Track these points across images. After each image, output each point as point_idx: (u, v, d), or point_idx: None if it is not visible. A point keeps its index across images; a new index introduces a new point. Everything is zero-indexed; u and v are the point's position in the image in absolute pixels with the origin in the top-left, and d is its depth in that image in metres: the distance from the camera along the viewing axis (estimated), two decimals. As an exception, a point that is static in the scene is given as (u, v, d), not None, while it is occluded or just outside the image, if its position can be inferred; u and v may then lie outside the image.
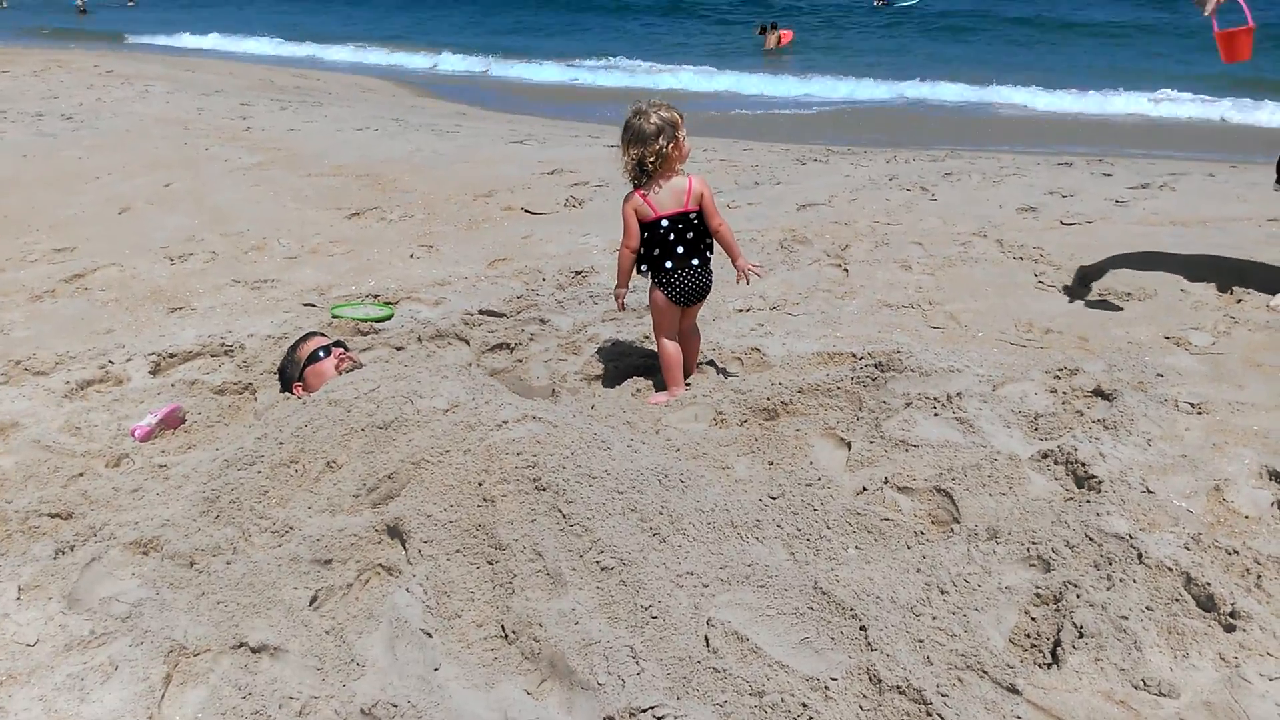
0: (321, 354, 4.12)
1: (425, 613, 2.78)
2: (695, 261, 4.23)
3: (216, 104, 13.88)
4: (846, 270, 5.92)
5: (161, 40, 29.55)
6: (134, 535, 3.06)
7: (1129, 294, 5.20)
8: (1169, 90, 16.01)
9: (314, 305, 5.49)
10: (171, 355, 4.68)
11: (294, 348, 4.27)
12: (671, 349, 4.29)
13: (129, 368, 4.55)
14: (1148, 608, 2.58)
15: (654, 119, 4.06)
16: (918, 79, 18.36)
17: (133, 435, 3.87)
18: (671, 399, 4.22)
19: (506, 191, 8.30)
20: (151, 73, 17.93)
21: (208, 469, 3.49)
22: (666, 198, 4.14)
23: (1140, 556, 2.76)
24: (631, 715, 2.35)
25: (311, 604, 2.80)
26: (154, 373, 4.54)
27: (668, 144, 4.06)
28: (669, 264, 4.21)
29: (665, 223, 4.15)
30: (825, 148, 11.45)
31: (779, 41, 25.41)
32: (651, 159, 4.08)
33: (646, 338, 4.81)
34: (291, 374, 4.19)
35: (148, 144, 10.46)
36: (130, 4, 42.20)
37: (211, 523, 3.14)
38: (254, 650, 2.59)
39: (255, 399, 4.25)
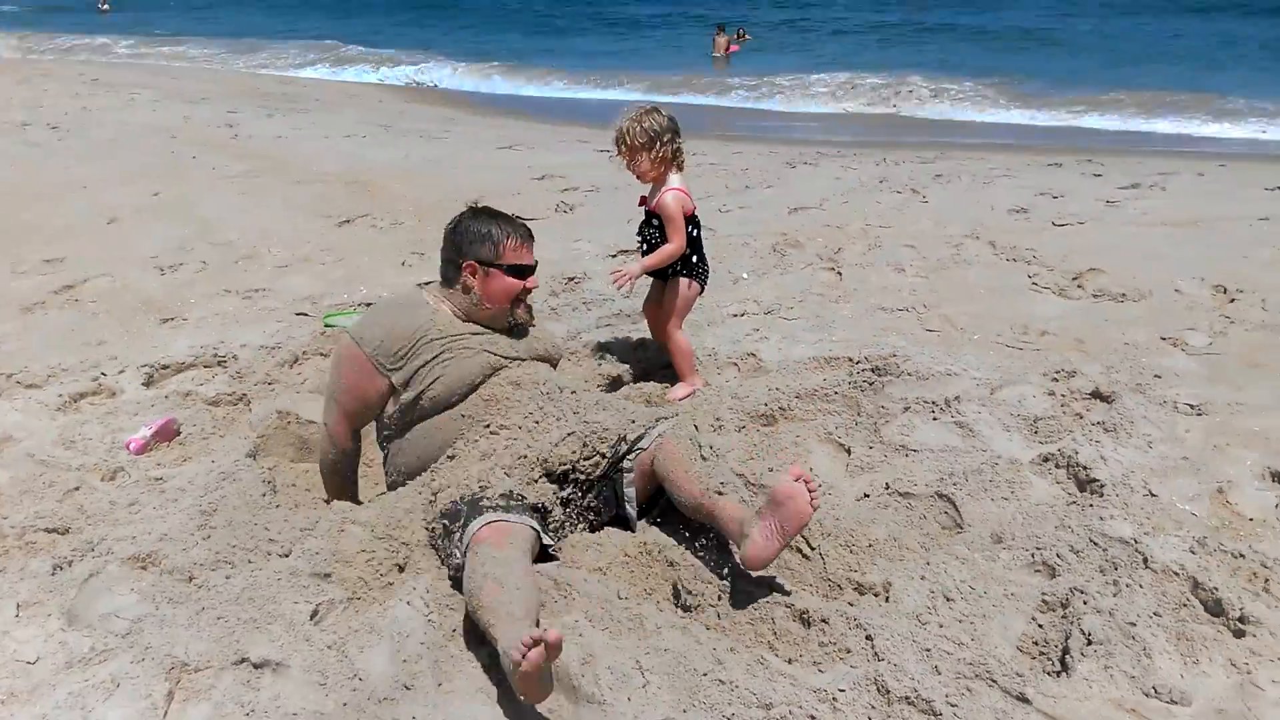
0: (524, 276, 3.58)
1: (427, 626, 2.76)
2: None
3: (203, 112, 13.83)
4: (840, 274, 5.92)
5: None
6: (132, 550, 3.03)
7: (1124, 295, 5.21)
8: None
9: (306, 314, 5.46)
10: (164, 367, 4.64)
11: (504, 219, 3.61)
12: (688, 340, 4.46)
13: (122, 380, 4.51)
14: (1155, 613, 2.57)
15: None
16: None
17: (127, 448, 3.84)
18: (692, 390, 4.31)
19: (497, 197, 8.19)
20: (137, 81, 17.84)
21: (204, 481, 3.46)
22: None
23: (1146, 561, 2.76)
24: (638, 729, 2.33)
25: (312, 618, 2.77)
26: (147, 384, 4.51)
27: None
28: (695, 258, 4.39)
29: (696, 214, 4.35)
30: (815, 150, 11.46)
31: (727, 48, 24.93)
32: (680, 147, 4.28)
33: (641, 343, 4.79)
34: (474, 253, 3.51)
35: (135, 153, 10.41)
36: (104, 9, 40.79)
37: (209, 536, 3.11)
38: (256, 665, 2.56)
39: (249, 410, 4.21)
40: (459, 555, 2.87)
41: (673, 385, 4.36)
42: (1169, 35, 24.73)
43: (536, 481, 3.13)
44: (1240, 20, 26.54)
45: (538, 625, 2.54)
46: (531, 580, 2.72)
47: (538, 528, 2.98)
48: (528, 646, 2.25)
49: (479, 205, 3.63)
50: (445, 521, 3.00)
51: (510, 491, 3.02)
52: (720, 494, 2.91)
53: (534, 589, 2.68)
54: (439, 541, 3.04)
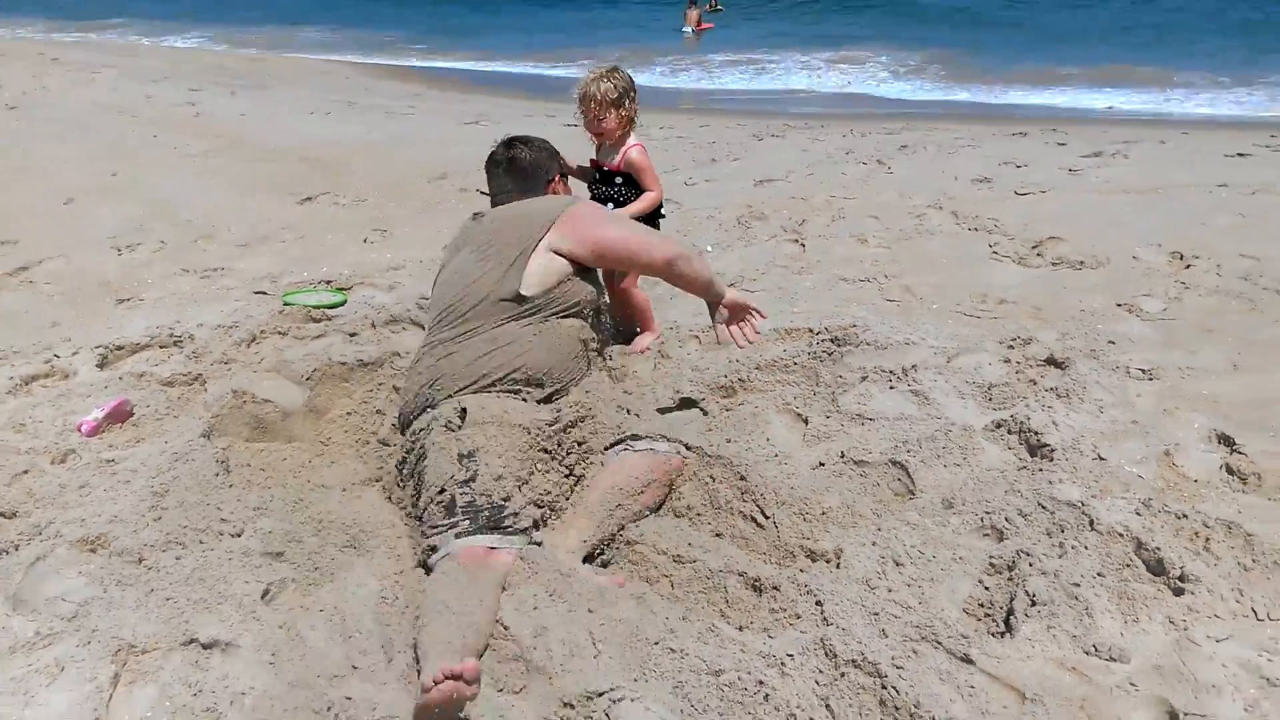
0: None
1: (379, 603, 2.76)
2: None
3: (164, 90, 13.64)
4: (803, 245, 5.92)
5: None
6: (81, 533, 3.00)
7: (1082, 262, 5.24)
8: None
9: (265, 293, 5.41)
10: (119, 348, 4.58)
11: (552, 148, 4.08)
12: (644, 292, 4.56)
13: (75, 361, 4.45)
14: (1099, 574, 2.60)
15: None
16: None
17: (79, 430, 3.80)
18: (656, 337, 4.44)
19: (461, 173, 8.22)
20: (98, 60, 17.57)
21: (156, 463, 3.43)
22: None
23: (1092, 523, 2.78)
24: (588, 699, 2.33)
25: (263, 597, 2.76)
26: (101, 366, 4.45)
27: None
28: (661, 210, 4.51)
29: None
30: (782, 123, 11.44)
31: (698, 23, 24.45)
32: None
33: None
34: (555, 167, 4.02)
35: (94, 133, 10.26)
36: None
37: (160, 518, 3.08)
38: (205, 646, 2.54)
39: (205, 390, 4.17)
40: (435, 550, 2.87)
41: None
42: (1120, 11, 24.65)
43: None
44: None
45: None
46: (486, 614, 2.64)
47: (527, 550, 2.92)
48: (443, 677, 2.24)
49: (506, 138, 3.98)
50: (456, 498, 2.93)
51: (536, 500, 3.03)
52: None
53: (483, 623, 2.61)
54: (439, 506, 2.96)
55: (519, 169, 3.88)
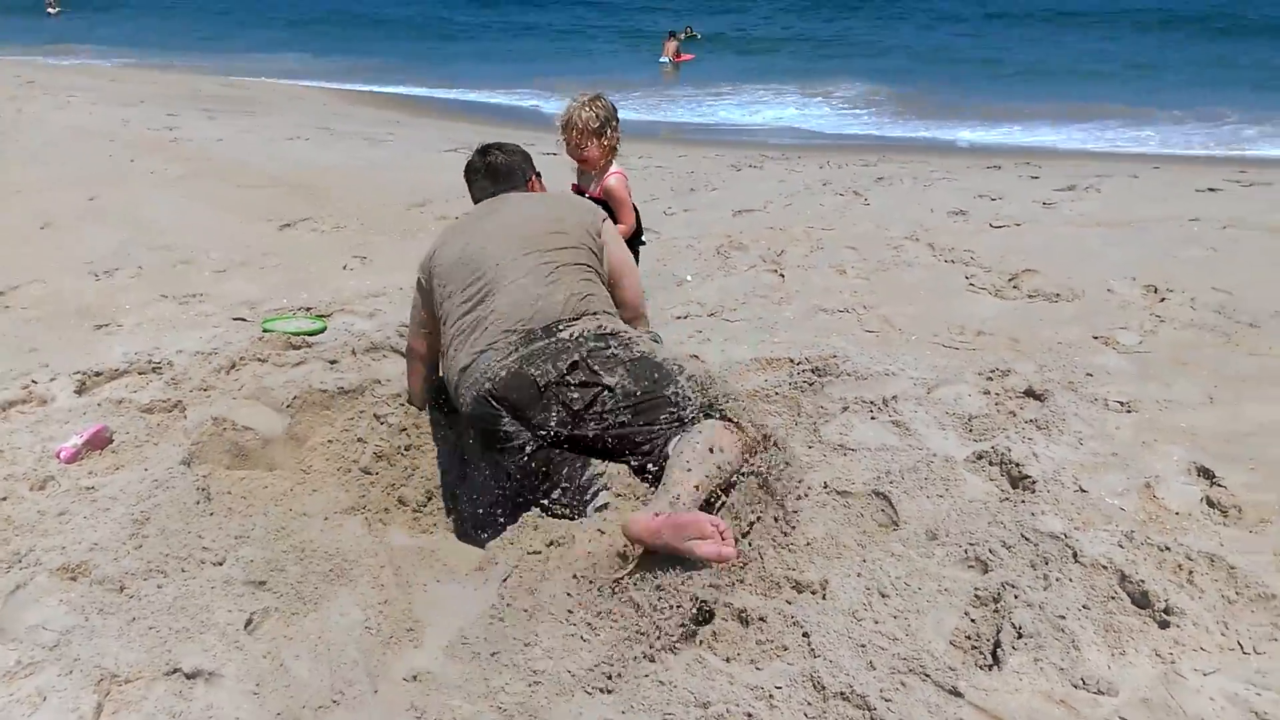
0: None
1: (363, 632, 2.74)
2: None
3: (142, 114, 13.58)
4: (783, 275, 5.96)
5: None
6: (61, 560, 2.97)
7: (1057, 295, 5.30)
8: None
9: (245, 319, 5.38)
10: (98, 374, 4.54)
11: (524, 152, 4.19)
12: None
13: (53, 387, 4.41)
14: (1084, 606, 2.62)
15: None
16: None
17: (57, 457, 3.75)
18: None
19: (441, 201, 8.23)
20: (74, 83, 17.48)
21: (136, 490, 3.40)
22: None
23: (1075, 555, 2.80)
24: (577, 730, 2.33)
25: (247, 627, 2.74)
26: (79, 392, 4.41)
27: None
28: (642, 237, 4.61)
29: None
30: (759, 153, 11.53)
31: (676, 54, 24.53)
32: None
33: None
34: (530, 168, 4.10)
35: (71, 157, 10.19)
36: (52, 12, 39.63)
37: (141, 545, 3.05)
38: (188, 676, 2.52)
39: (185, 417, 4.14)
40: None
41: None
42: (1086, 49, 24.97)
43: None
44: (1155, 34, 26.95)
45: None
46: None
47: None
48: (718, 529, 2.69)
49: (480, 146, 4.10)
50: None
51: None
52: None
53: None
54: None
55: (498, 172, 4.00)
